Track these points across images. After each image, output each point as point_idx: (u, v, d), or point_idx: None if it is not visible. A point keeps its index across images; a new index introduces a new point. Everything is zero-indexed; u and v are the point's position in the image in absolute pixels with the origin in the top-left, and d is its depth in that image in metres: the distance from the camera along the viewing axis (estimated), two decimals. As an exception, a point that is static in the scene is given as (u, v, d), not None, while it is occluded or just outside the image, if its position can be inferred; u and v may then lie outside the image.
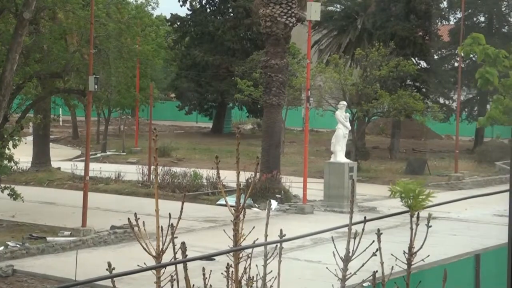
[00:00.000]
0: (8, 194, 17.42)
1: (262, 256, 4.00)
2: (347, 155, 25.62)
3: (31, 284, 14.31)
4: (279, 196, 23.70)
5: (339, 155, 23.69)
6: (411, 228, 3.51)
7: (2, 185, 17.94)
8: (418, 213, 3.56)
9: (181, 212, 3.42)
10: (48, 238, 17.31)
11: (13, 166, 18.11)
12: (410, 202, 3.34)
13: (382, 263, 3.59)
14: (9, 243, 16.48)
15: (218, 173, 3.54)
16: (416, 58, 39.54)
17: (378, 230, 3.63)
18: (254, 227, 3.56)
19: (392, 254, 3.79)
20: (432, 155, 39.56)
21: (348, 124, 24.59)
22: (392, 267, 3.82)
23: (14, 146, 17.27)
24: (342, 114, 24.19)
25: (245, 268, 3.67)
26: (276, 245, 3.67)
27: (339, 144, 23.70)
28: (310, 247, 16.86)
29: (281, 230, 3.86)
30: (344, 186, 22.87)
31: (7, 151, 16.97)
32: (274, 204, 23.03)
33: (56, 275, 14.36)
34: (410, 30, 38.26)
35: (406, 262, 3.54)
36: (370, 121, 37.51)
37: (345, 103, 25.48)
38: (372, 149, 38.93)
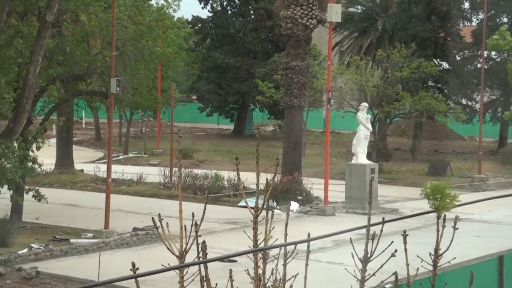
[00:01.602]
0: (33, 196, 17.55)
1: (284, 257, 4.01)
2: (369, 156, 25.55)
3: (55, 285, 14.40)
4: (301, 197, 23.68)
5: (361, 157, 23.63)
6: (437, 230, 3.50)
7: (27, 187, 18.08)
8: (445, 215, 3.54)
9: (204, 212, 3.44)
10: (72, 240, 17.42)
11: (37, 168, 18.24)
12: (437, 204, 3.32)
13: (407, 265, 3.58)
14: (33, 245, 16.62)
15: (238, 174, 3.56)
16: (438, 59, 39.34)
17: (404, 231, 3.62)
18: (273, 227, 3.57)
19: (418, 256, 3.78)
20: (455, 156, 39.32)
21: (369, 126, 24.52)
22: (418, 268, 3.81)
23: (38, 148, 17.39)
24: (363, 116, 24.13)
25: (270, 270, 3.68)
26: (295, 247, 3.67)
27: (360, 146, 23.64)
28: (332, 249, 16.84)
29: (308, 234, 3.87)
30: (365, 188, 22.80)
31: (30, 153, 17.09)
32: (295, 205, 23.02)
33: (79, 277, 14.44)
34: (431, 31, 38.05)
35: (430, 263, 3.53)
36: (392, 122, 37.36)
37: (366, 104, 25.43)
38: (394, 151, 38.78)
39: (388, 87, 31.83)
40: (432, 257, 3.49)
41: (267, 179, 3.63)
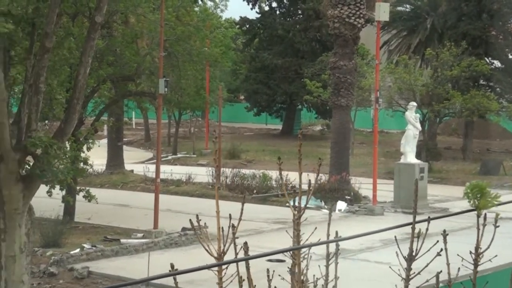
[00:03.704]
0: (83, 196, 17.80)
1: (326, 257, 4.01)
2: (418, 156, 25.31)
3: (106, 285, 14.57)
4: (349, 197, 23.58)
5: (409, 156, 23.43)
6: (478, 228, 3.48)
7: (78, 188, 18.33)
8: (485, 214, 3.51)
9: (241, 213, 3.46)
10: (122, 240, 17.62)
11: (88, 169, 18.48)
12: (477, 202, 3.30)
13: (448, 264, 3.55)
14: (85, 245, 16.86)
15: (280, 174, 3.58)
16: (490, 58, 38.75)
17: (444, 231, 3.59)
18: (316, 228, 3.58)
19: (458, 255, 3.75)
20: (508, 155, 38.66)
21: (418, 125, 24.30)
22: (459, 268, 3.77)
23: (88, 149, 17.64)
24: (412, 115, 23.94)
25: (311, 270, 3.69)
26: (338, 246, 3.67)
27: (409, 145, 23.45)
28: (380, 248, 16.73)
29: (336, 232, 3.87)
30: (415, 187, 22.56)
31: (82, 154, 17.31)
32: (343, 205, 22.94)
33: (129, 277, 14.59)
34: (482, 30, 37.50)
35: (472, 262, 3.50)
36: (442, 121, 36.94)
37: (415, 103, 25.21)
38: (444, 150, 38.33)
39: (437, 86, 31.49)
40: (473, 256, 3.46)
41: (309, 180, 3.63)
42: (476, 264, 3.39)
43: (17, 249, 11.40)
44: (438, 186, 28.24)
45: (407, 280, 3.41)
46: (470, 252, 3.50)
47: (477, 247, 3.46)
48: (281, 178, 3.61)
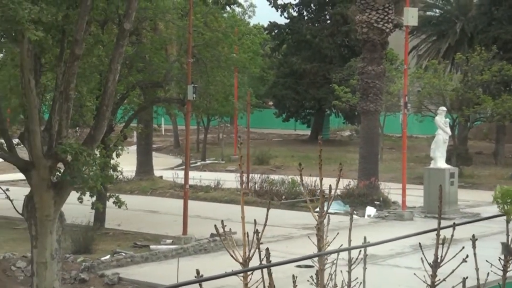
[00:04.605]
0: (113, 202, 17.90)
1: (348, 263, 4.00)
2: (448, 161, 25.11)
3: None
4: (378, 202, 23.47)
5: (439, 161, 23.28)
6: (507, 234, 3.45)
7: (107, 194, 18.44)
8: None
9: (266, 219, 3.46)
10: (151, 246, 17.70)
11: (118, 176, 18.58)
12: (507, 208, 3.27)
13: (477, 269, 3.52)
14: (115, 251, 16.96)
15: (301, 180, 3.58)
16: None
17: (473, 236, 3.57)
18: (338, 233, 3.57)
19: (487, 261, 3.71)
20: (541, 160, 38.22)
21: (448, 130, 24.14)
22: (488, 273, 3.73)
23: (117, 155, 17.73)
24: (441, 120, 23.79)
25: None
26: (359, 252, 3.66)
27: (439, 150, 23.30)
28: (411, 254, 16.62)
29: (365, 238, 3.85)
30: (444, 192, 22.41)
31: (111, 160, 17.40)
32: (372, 210, 22.84)
33: (158, 283, 14.64)
34: (514, 34, 37.13)
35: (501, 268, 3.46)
36: (472, 126, 36.64)
37: (444, 108, 25.07)
38: (476, 155, 37.98)
39: (468, 91, 31.24)
40: (502, 262, 3.43)
41: (330, 185, 3.63)
42: (505, 270, 3.36)
43: (49, 256, 11.51)
44: (470, 191, 28.01)
45: (432, 286, 3.39)
46: (499, 259, 3.46)
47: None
48: (302, 184, 3.61)
